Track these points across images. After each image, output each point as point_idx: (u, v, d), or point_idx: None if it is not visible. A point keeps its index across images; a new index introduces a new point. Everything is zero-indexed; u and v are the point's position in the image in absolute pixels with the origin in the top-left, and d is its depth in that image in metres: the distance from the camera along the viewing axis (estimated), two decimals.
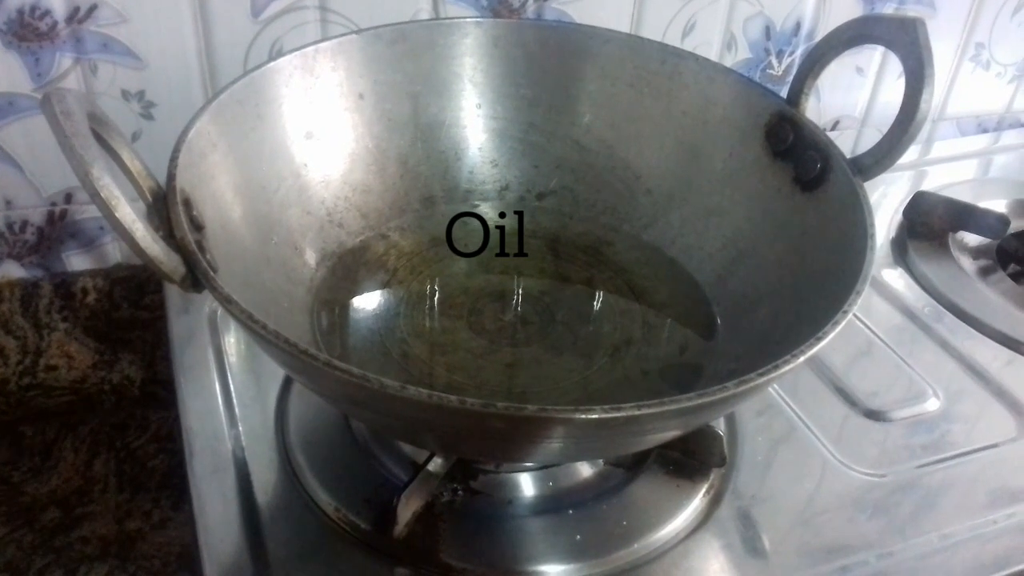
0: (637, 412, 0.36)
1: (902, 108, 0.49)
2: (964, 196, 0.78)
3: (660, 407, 0.37)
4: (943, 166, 0.88)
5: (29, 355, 0.70)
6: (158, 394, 0.75)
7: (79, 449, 0.70)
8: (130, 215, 0.37)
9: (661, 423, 0.40)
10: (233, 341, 0.62)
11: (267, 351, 0.41)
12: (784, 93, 0.56)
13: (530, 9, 0.70)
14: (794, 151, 0.54)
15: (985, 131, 0.96)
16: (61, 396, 0.73)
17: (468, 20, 0.62)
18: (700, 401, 0.37)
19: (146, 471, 0.69)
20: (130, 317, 0.72)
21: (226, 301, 0.39)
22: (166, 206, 0.43)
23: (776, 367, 0.39)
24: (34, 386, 0.72)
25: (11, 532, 0.63)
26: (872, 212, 0.48)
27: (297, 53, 0.56)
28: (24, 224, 0.67)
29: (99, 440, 0.71)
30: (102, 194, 0.36)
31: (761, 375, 0.39)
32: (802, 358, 0.39)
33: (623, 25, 0.73)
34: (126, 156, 0.44)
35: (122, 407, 0.74)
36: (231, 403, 0.57)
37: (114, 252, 0.70)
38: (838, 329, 0.41)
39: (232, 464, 0.53)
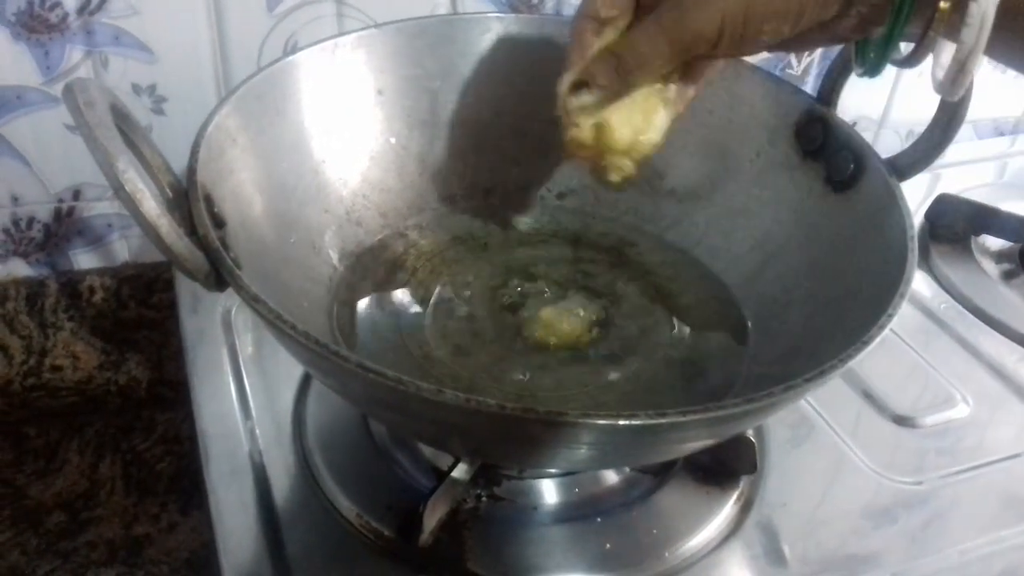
0: (682, 418, 0.35)
1: (940, 107, 0.48)
2: (981, 199, 0.77)
3: (704, 413, 0.36)
4: (959, 169, 0.87)
5: (34, 355, 0.69)
6: (165, 395, 0.73)
7: (84, 451, 0.68)
8: (155, 210, 0.36)
9: (704, 430, 0.39)
10: (248, 341, 0.60)
11: (294, 352, 0.40)
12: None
13: (549, 4, 0.68)
14: (825, 151, 0.53)
15: (1002, 134, 0.95)
16: (66, 397, 0.71)
17: (490, 15, 0.60)
18: (746, 407, 0.36)
19: (153, 474, 0.67)
20: (137, 317, 0.70)
21: (253, 300, 0.37)
22: (187, 202, 0.42)
23: (822, 372, 0.38)
24: (39, 386, 0.70)
25: (15, 536, 0.62)
26: (911, 214, 0.47)
27: (316, 47, 0.54)
28: (31, 221, 0.65)
29: (105, 442, 0.69)
30: (127, 188, 0.35)
31: (807, 380, 0.37)
32: (849, 362, 0.38)
33: None
34: (146, 150, 0.42)
35: (128, 408, 0.73)
36: (247, 405, 0.56)
37: (122, 250, 0.69)
38: (884, 333, 0.40)
39: (249, 468, 0.51)
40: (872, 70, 0.37)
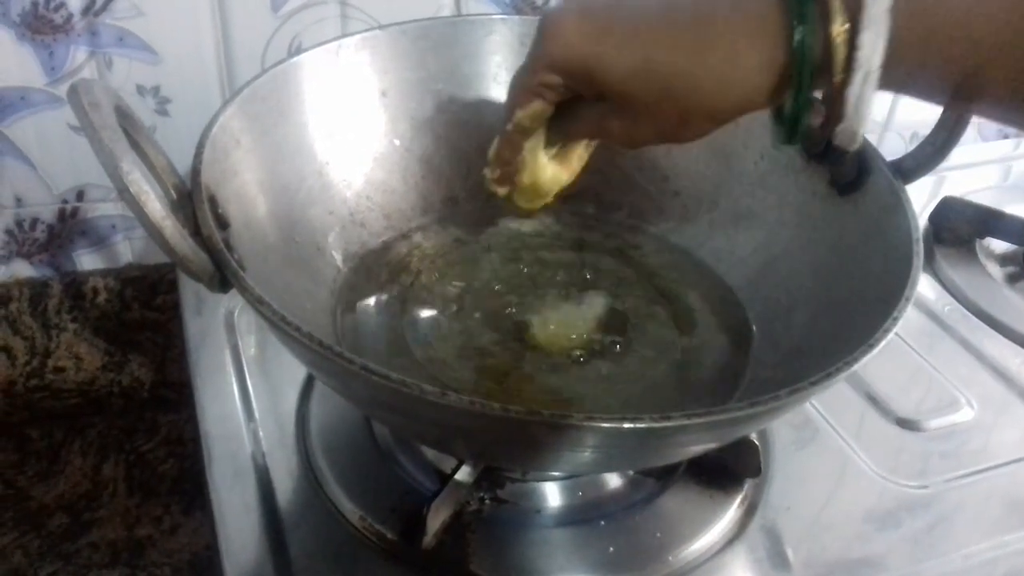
0: (686, 422, 0.35)
1: (945, 110, 0.48)
2: (987, 202, 0.77)
3: (709, 416, 0.36)
4: (964, 172, 0.87)
5: (37, 356, 0.69)
6: (168, 397, 0.73)
7: (87, 453, 0.68)
8: (160, 211, 0.36)
9: (709, 433, 0.39)
10: (251, 343, 0.60)
11: (298, 354, 0.40)
12: None
13: (552, 6, 0.68)
14: (830, 154, 0.53)
15: (1006, 137, 0.94)
16: (69, 398, 0.71)
17: (494, 17, 0.60)
18: (751, 411, 0.36)
19: (156, 476, 0.67)
20: (140, 318, 0.70)
21: (257, 302, 0.37)
22: (191, 203, 0.42)
23: (827, 375, 0.38)
24: (42, 388, 0.70)
25: (18, 538, 0.62)
26: (916, 217, 0.47)
27: (320, 49, 0.54)
28: (34, 222, 0.65)
29: (107, 443, 0.69)
30: (131, 189, 0.35)
31: (813, 383, 0.37)
32: (855, 366, 0.38)
33: None
34: (150, 151, 0.42)
35: (131, 410, 0.73)
36: (250, 407, 0.56)
37: (125, 252, 0.69)
38: (889, 336, 0.40)
39: (252, 470, 0.51)
40: (787, 139, 0.38)
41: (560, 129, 0.45)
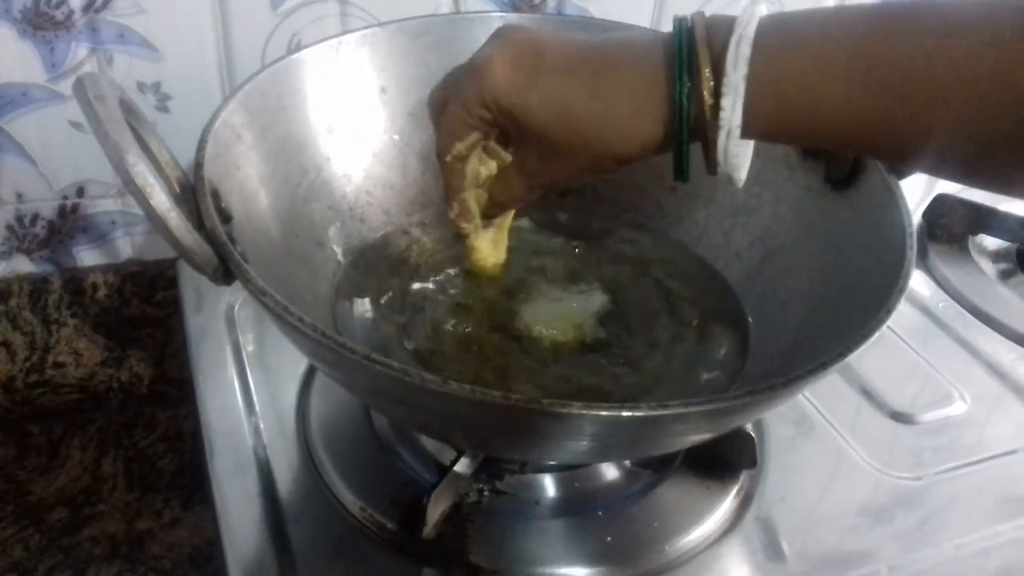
0: (684, 410, 0.36)
1: None
2: (981, 199, 0.77)
3: (706, 405, 0.36)
4: None
5: (37, 352, 0.69)
6: (167, 392, 0.74)
7: (87, 448, 0.69)
8: (165, 204, 0.36)
9: (706, 422, 0.39)
10: (251, 338, 0.61)
11: (300, 344, 0.40)
12: None
13: (551, 3, 0.69)
14: (824, 150, 0.54)
15: None
16: (68, 394, 0.72)
17: (492, 14, 0.61)
18: (747, 399, 0.37)
19: (155, 470, 0.67)
20: (140, 314, 0.71)
21: (260, 293, 0.38)
22: (194, 197, 0.42)
23: (822, 365, 0.38)
24: (41, 383, 0.70)
25: (18, 532, 0.62)
26: (910, 211, 0.47)
27: (321, 45, 0.55)
28: (35, 218, 0.65)
29: (107, 439, 0.70)
30: (137, 181, 0.36)
31: (807, 373, 0.38)
32: (848, 356, 0.39)
33: (644, 20, 0.72)
34: (154, 145, 0.43)
35: (130, 405, 0.73)
36: (251, 401, 0.56)
37: (125, 248, 0.69)
38: (882, 327, 0.40)
39: (254, 462, 0.52)
40: (677, 176, 0.43)
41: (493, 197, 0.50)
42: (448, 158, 0.48)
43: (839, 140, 0.39)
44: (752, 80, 0.37)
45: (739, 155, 0.39)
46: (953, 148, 0.36)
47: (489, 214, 0.52)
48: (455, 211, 0.51)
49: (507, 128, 0.45)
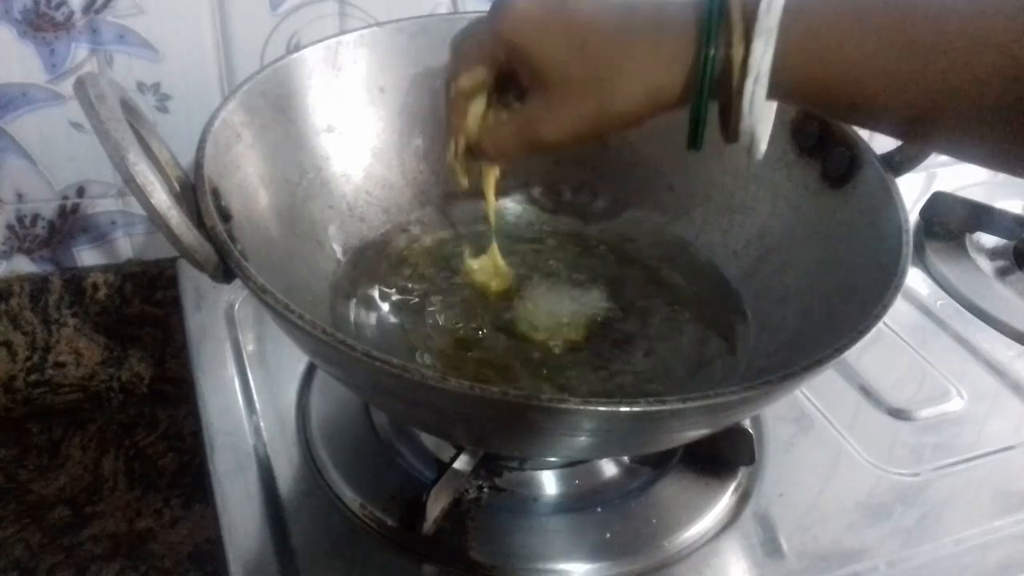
0: (682, 405, 0.36)
1: None
2: (978, 197, 0.78)
3: (704, 400, 0.36)
4: (954, 167, 0.88)
5: (37, 351, 0.69)
6: (167, 392, 0.74)
7: (87, 447, 0.69)
8: (166, 202, 0.36)
9: (704, 417, 0.40)
10: (251, 337, 0.61)
11: (301, 342, 0.40)
12: None
13: None
14: (821, 148, 0.54)
15: None
16: (69, 393, 0.72)
17: None
18: (745, 395, 0.37)
19: (156, 470, 0.68)
20: (140, 313, 0.71)
21: (261, 291, 0.38)
22: (194, 196, 0.42)
23: (819, 360, 0.39)
24: (42, 383, 0.71)
25: (19, 531, 0.62)
26: (906, 208, 0.47)
27: (320, 45, 0.55)
28: (35, 218, 0.66)
29: (107, 438, 0.70)
30: (138, 180, 0.36)
31: (804, 368, 0.38)
32: (845, 352, 0.39)
33: None
34: (154, 145, 0.43)
35: (130, 405, 0.73)
36: (251, 399, 0.56)
37: (125, 247, 0.69)
38: (878, 323, 0.41)
39: (254, 461, 0.52)
40: (691, 143, 0.42)
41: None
42: (452, 93, 0.47)
43: (862, 100, 0.37)
44: (783, 29, 0.36)
45: (762, 104, 0.38)
46: (978, 116, 0.35)
47: (473, 153, 0.49)
48: (451, 151, 0.49)
49: (518, 72, 0.44)
